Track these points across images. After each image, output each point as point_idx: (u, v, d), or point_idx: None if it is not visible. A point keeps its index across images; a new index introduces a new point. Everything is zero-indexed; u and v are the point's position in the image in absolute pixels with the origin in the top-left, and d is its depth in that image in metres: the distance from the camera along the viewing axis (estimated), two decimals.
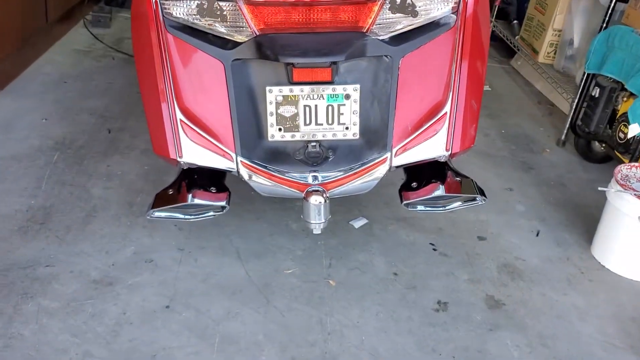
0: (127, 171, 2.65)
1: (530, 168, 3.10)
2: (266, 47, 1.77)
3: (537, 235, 2.59)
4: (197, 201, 1.90)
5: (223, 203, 1.92)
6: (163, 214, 1.90)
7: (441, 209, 2.00)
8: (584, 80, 3.09)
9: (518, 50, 4.10)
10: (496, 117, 3.67)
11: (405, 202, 1.95)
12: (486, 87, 4.10)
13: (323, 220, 1.85)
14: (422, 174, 2.00)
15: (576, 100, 3.16)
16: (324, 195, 1.82)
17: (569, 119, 3.23)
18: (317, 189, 1.82)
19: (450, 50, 1.89)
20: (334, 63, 1.81)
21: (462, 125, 1.89)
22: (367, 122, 1.90)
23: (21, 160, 2.64)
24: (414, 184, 1.97)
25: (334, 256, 2.29)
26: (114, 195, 2.47)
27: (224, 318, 1.94)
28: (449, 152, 1.88)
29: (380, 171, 1.90)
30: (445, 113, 1.88)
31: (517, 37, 4.11)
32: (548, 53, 3.76)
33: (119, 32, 4.32)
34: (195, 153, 1.86)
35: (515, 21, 4.24)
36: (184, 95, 1.86)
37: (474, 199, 1.98)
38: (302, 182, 1.89)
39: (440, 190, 1.93)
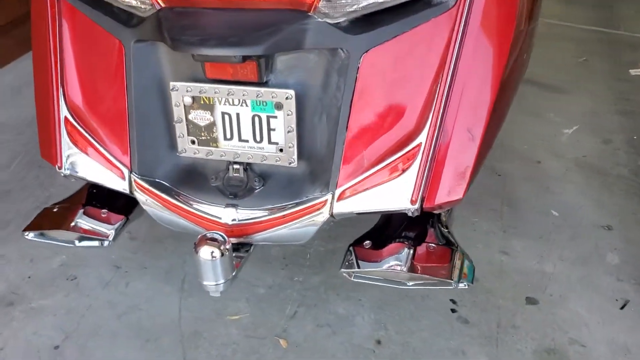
0: None
1: None
2: (165, 26, 1.25)
3: (623, 307, 1.79)
4: (81, 223, 1.47)
5: (109, 231, 1.46)
6: (40, 236, 1.49)
7: (399, 285, 1.35)
8: None
9: None
10: (631, 115, 2.75)
11: (343, 268, 1.33)
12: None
13: (222, 281, 1.31)
14: (389, 226, 1.36)
15: None
16: (223, 248, 1.27)
17: None
18: (213, 235, 1.28)
19: (443, 46, 1.21)
20: (261, 57, 1.24)
21: (443, 167, 1.22)
22: (312, 146, 1.31)
23: (5, 131, 2.39)
24: (367, 243, 1.34)
25: (305, 302, 1.74)
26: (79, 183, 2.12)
27: None
28: (416, 205, 1.22)
29: (318, 219, 1.30)
30: (419, 145, 1.22)
31: None
32: None
33: None
34: (79, 163, 1.41)
35: None
36: (71, 83, 1.41)
37: (449, 284, 1.30)
38: (213, 219, 1.37)
39: (400, 262, 1.28)
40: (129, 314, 1.68)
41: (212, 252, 1.26)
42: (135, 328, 1.64)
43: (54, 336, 1.60)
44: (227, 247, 1.28)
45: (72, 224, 1.47)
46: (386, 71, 1.23)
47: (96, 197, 1.53)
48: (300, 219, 1.30)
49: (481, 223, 2.09)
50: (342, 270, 1.32)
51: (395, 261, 1.28)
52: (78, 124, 1.39)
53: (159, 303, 1.71)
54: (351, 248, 1.35)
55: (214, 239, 1.27)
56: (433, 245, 1.31)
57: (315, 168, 1.31)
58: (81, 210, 1.49)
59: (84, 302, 1.70)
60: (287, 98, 1.25)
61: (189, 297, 1.73)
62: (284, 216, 1.31)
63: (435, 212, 1.29)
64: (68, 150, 1.41)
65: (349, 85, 1.24)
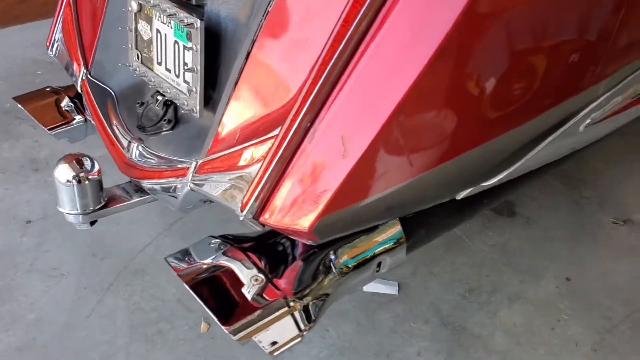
0: None
1: None
2: None
3: None
4: (61, 107, 1.40)
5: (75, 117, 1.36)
6: (25, 110, 1.46)
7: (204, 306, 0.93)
8: None
9: None
10: None
11: (168, 256, 0.99)
12: None
13: (77, 211, 1.11)
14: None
15: None
16: (83, 175, 1.07)
17: None
18: (82, 159, 1.09)
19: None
20: None
21: (294, 179, 0.81)
22: (217, 97, 1.01)
23: None
24: (215, 241, 0.98)
25: None
26: None
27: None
28: (244, 213, 0.84)
29: (179, 187, 1.01)
30: (275, 137, 0.83)
31: None
32: None
33: None
34: (59, 48, 1.37)
35: None
36: None
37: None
38: (118, 147, 1.18)
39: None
40: (104, 225, 1.59)
41: (70, 176, 1.08)
42: (95, 240, 1.56)
43: (35, 211, 1.62)
44: (92, 177, 1.09)
45: (59, 106, 1.42)
46: (295, 20, 0.85)
47: None
48: (166, 180, 1.03)
49: (570, 325, 1.45)
50: (168, 258, 0.99)
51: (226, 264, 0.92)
52: (74, 6, 1.33)
53: (136, 228, 1.60)
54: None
55: (80, 163, 1.09)
56: (261, 277, 0.89)
57: (206, 124, 1.01)
58: (67, 98, 1.43)
59: None
60: (190, 26, 0.98)
61: (167, 237, 1.58)
62: (156, 172, 1.06)
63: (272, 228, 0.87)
64: (58, 33, 1.37)
65: (252, 30, 0.90)
